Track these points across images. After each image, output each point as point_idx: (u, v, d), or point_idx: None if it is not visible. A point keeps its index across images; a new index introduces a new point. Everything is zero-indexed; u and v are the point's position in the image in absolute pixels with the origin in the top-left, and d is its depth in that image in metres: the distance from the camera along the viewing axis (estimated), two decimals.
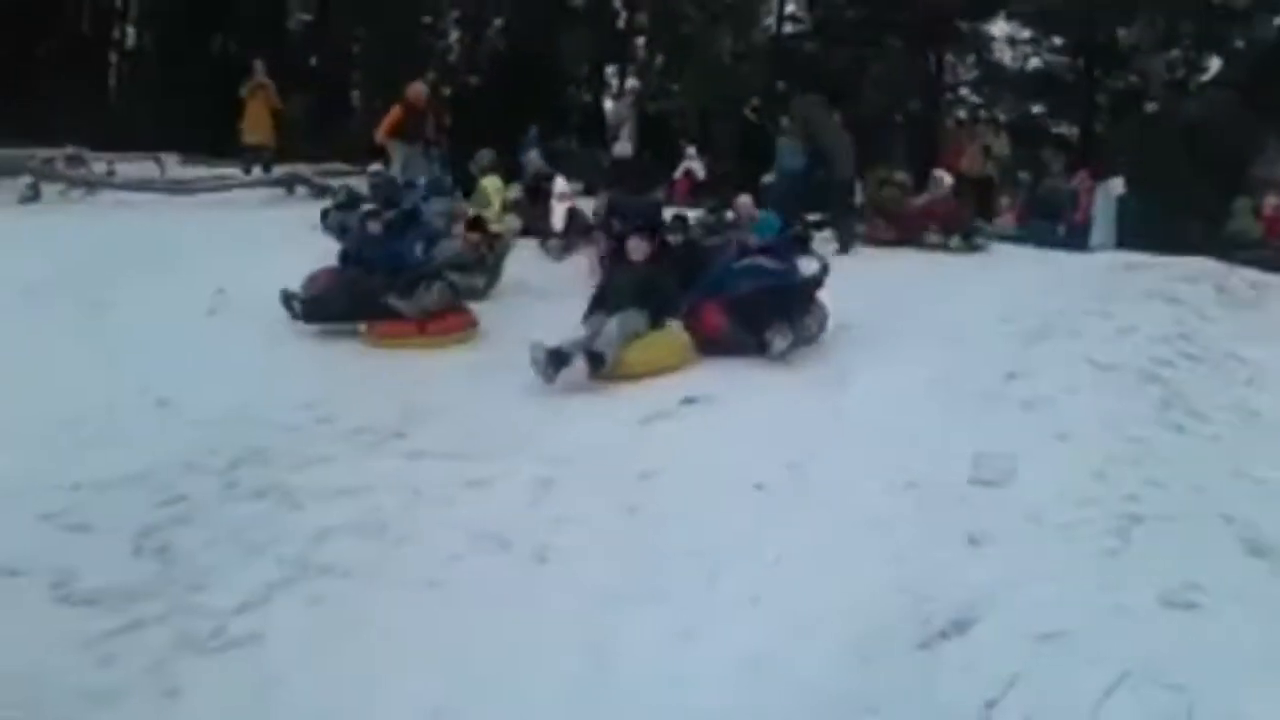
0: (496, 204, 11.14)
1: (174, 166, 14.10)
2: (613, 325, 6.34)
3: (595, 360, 6.14)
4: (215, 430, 5.37)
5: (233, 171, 13.78)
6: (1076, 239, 11.74)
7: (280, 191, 12.84)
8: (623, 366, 6.27)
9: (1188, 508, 4.15)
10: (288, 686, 3.34)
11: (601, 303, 6.78)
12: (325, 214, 10.33)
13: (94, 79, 21.88)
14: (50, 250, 8.22)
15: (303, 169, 13.54)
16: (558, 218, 10.95)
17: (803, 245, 9.37)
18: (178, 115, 18.57)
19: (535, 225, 11.03)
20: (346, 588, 3.92)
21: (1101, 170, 13.10)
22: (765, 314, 6.49)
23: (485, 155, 11.90)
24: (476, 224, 9.07)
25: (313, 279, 7.85)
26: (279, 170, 13.58)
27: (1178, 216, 12.82)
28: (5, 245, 8.32)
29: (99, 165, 13.36)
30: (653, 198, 10.82)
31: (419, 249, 7.85)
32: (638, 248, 7.06)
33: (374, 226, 8.26)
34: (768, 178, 12.01)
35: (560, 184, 11.62)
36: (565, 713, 3.28)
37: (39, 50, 20.54)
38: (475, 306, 7.79)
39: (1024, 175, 15.55)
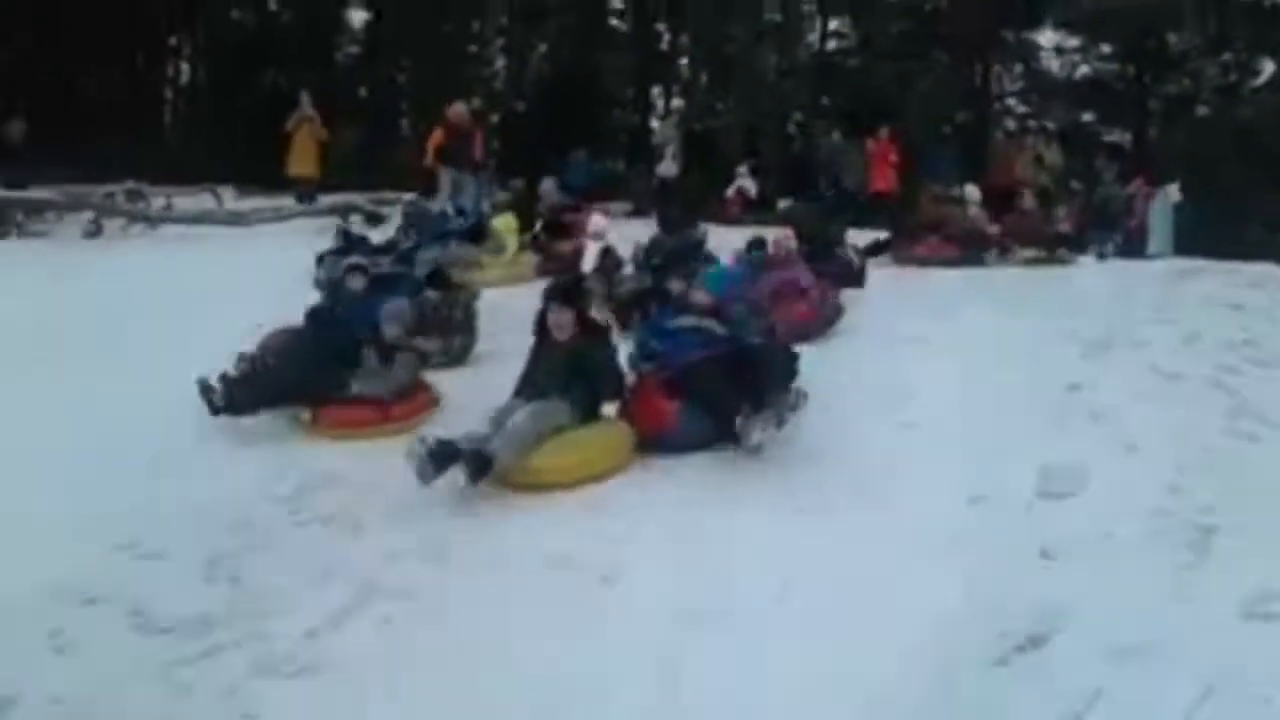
0: (511, 246, 10.47)
1: (230, 199, 14.35)
2: (520, 419, 5.01)
3: (479, 464, 4.76)
4: (280, 456, 5.45)
5: (286, 202, 14.01)
6: (1134, 247, 11.58)
7: (335, 220, 13.02)
8: (529, 474, 4.93)
9: (1263, 518, 4.06)
10: (361, 710, 3.37)
11: (526, 389, 5.43)
12: (320, 259, 9.28)
13: (150, 115, 22.37)
14: (115, 283, 8.40)
15: (356, 198, 13.72)
16: (589, 258, 9.79)
17: (855, 278, 9.05)
18: (231, 148, 18.94)
19: (558, 265, 9.96)
20: (415, 610, 3.94)
21: (1157, 177, 12.93)
22: (729, 394, 5.12)
23: (511, 186, 11.48)
24: (436, 278, 7.75)
25: (270, 338, 6.69)
26: (331, 199, 13.77)
27: (1234, 221, 12.65)
28: (72, 279, 8.52)
29: (158, 200, 13.64)
30: (695, 234, 9.83)
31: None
32: (559, 323, 5.49)
33: (355, 282, 7.20)
34: (785, 203, 12.00)
35: (596, 220, 10.68)
36: None
37: (96, 89, 21.04)
38: (445, 375, 6.79)
39: (1077, 185, 15.37)
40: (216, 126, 21.18)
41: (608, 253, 9.63)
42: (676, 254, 8.88)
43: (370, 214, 12.97)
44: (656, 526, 4.51)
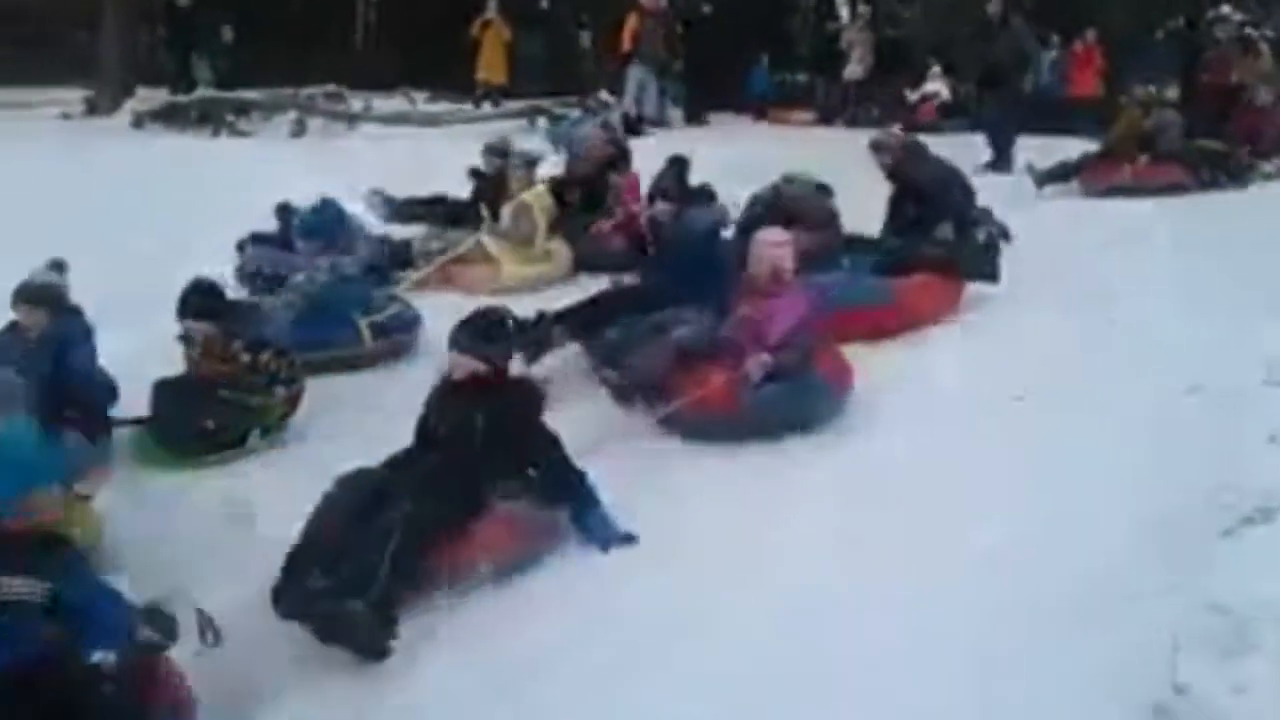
0: (543, 226, 6.94)
1: (422, 102, 14.78)
2: None
3: None
4: None
5: (470, 106, 14.38)
6: None
7: (523, 122, 13.29)
8: None
9: None
10: None
11: None
12: (241, 246, 6.46)
13: (342, 25, 23.08)
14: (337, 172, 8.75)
15: (542, 102, 13.95)
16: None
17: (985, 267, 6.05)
18: (419, 55, 19.44)
19: (601, 250, 6.89)
20: None
21: None
22: None
23: (529, 151, 8.15)
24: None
25: None
26: (518, 104, 14.02)
27: None
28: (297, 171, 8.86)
29: (356, 103, 14.18)
30: (711, 215, 6.23)
31: None
32: None
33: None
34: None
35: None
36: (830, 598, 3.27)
37: (294, 3, 21.91)
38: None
39: None
40: (405, 34, 21.75)
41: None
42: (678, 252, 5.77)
43: (556, 116, 13.16)
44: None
